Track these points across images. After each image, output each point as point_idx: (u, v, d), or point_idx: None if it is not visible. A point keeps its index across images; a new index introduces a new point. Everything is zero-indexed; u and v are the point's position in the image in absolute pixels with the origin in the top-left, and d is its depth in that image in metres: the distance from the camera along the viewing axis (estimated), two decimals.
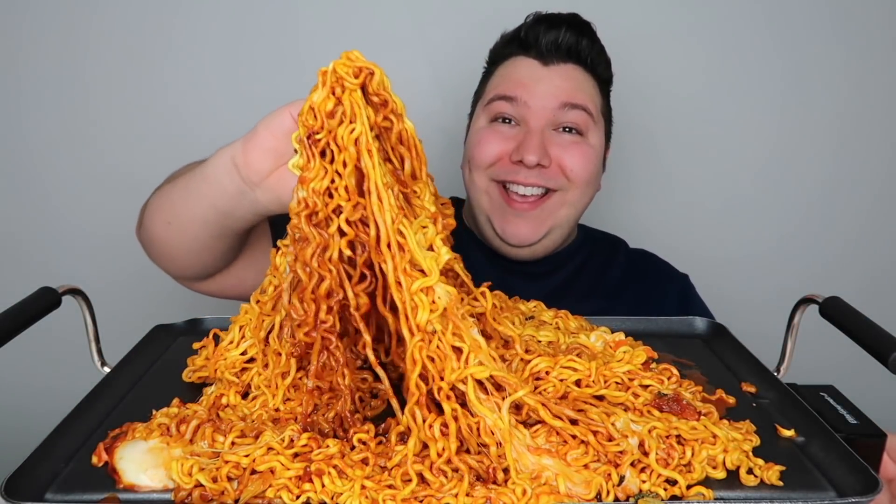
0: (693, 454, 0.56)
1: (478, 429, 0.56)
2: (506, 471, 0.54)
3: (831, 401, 0.67)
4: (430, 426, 0.56)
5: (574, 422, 0.58)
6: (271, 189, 0.71)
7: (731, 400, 0.68)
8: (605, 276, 1.18)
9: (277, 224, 1.01)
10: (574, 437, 0.57)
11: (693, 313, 0.93)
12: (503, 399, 0.57)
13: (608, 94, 1.15)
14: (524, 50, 1.08)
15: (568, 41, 1.06)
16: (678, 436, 0.58)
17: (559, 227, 1.09)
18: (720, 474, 0.56)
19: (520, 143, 1.04)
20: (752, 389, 0.71)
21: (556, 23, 1.07)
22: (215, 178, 0.76)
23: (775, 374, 0.75)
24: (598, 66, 1.09)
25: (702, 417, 0.60)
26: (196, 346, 0.75)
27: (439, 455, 0.55)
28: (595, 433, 0.57)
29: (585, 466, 0.54)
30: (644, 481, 0.54)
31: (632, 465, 0.55)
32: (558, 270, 1.16)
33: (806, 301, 0.76)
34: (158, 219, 0.88)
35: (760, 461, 0.57)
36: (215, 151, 0.77)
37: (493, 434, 0.55)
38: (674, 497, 0.53)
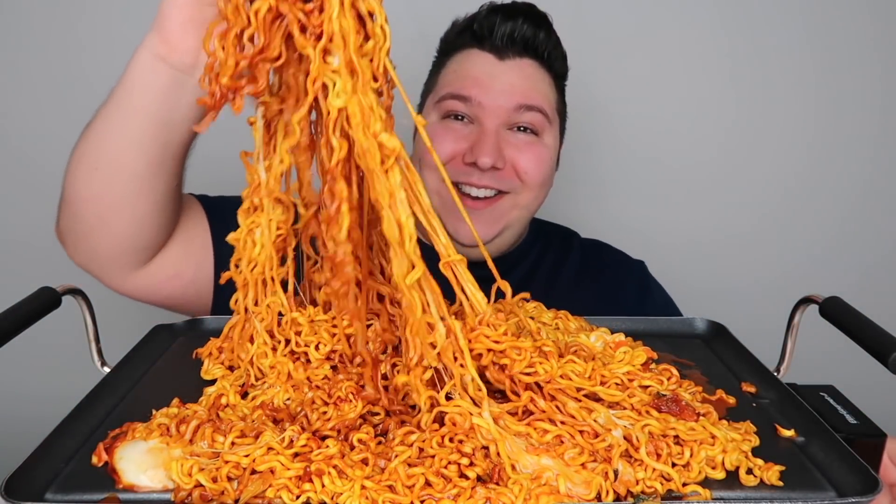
0: (692, 455, 0.56)
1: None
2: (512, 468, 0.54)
3: (831, 401, 0.68)
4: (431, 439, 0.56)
5: (553, 421, 0.58)
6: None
7: (732, 400, 0.67)
8: (560, 272, 1.15)
9: (213, 210, 0.96)
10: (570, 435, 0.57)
11: (652, 299, 0.92)
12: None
13: (563, 90, 1.11)
14: (478, 42, 1.03)
15: (524, 33, 1.01)
16: (676, 436, 0.58)
17: (510, 227, 1.07)
18: (719, 475, 0.56)
19: (473, 144, 1.00)
20: (752, 389, 0.71)
21: (513, 13, 1.01)
22: (142, 83, 0.69)
23: (775, 374, 0.75)
24: (554, 61, 1.05)
25: (700, 418, 0.60)
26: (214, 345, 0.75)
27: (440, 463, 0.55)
28: (581, 432, 0.57)
29: (583, 466, 0.54)
30: (639, 472, 0.54)
31: (626, 460, 0.55)
32: (512, 271, 1.12)
33: (806, 301, 0.76)
34: (81, 176, 0.77)
35: (760, 461, 0.57)
36: (129, 60, 0.70)
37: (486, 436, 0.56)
38: (672, 496, 0.53)
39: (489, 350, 0.61)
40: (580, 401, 0.60)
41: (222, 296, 0.86)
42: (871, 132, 1.53)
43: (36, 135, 1.46)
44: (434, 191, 1.02)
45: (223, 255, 0.88)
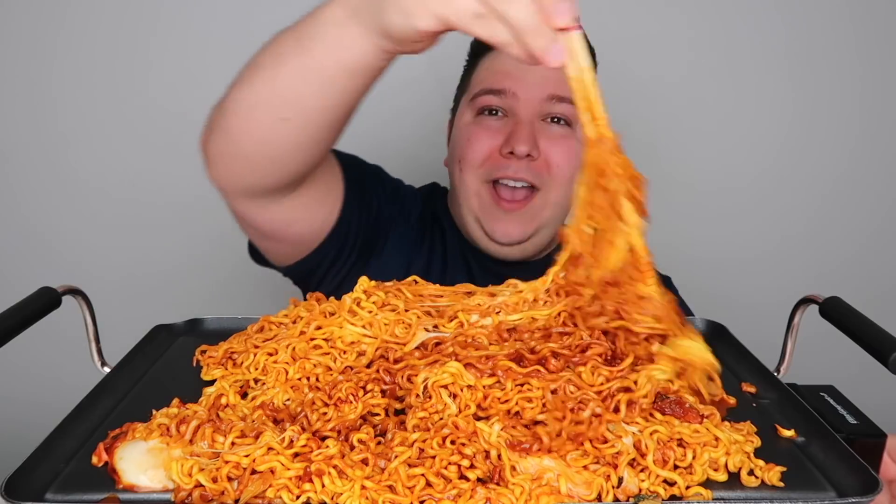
0: (695, 457, 0.56)
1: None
2: (512, 468, 0.54)
3: (831, 401, 0.68)
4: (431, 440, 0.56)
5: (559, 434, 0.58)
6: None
7: (732, 400, 0.67)
8: None
9: (349, 168, 1.00)
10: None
11: None
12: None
13: None
14: None
15: None
16: (680, 439, 0.57)
17: (546, 226, 1.09)
18: (721, 476, 0.55)
19: (509, 135, 1.03)
20: (753, 390, 0.71)
21: None
22: (363, 65, 0.68)
23: (775, 374, 0.76)
24: None
25: (704, 420, 0.60)
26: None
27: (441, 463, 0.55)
28: (589, 440, 0.56)
29: (585, 468, 0.54)
30: (643, 480, 0.54)
31: (630, 465, 0.55)
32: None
33: (806, 301, 0.76)
34: (264, 121, 0.75)
35: (761, 462, 0.57)
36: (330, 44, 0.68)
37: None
38: (673, 497, 0.53)
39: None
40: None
41: (325, 250, 0.97)
42: (872, 133, 1.53)
43: (36, 135, 1.46)
44: (473, 192, 1.06)
45: (349, 211, 0.97)
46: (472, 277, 1.08)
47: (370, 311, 0.72)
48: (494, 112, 1.06)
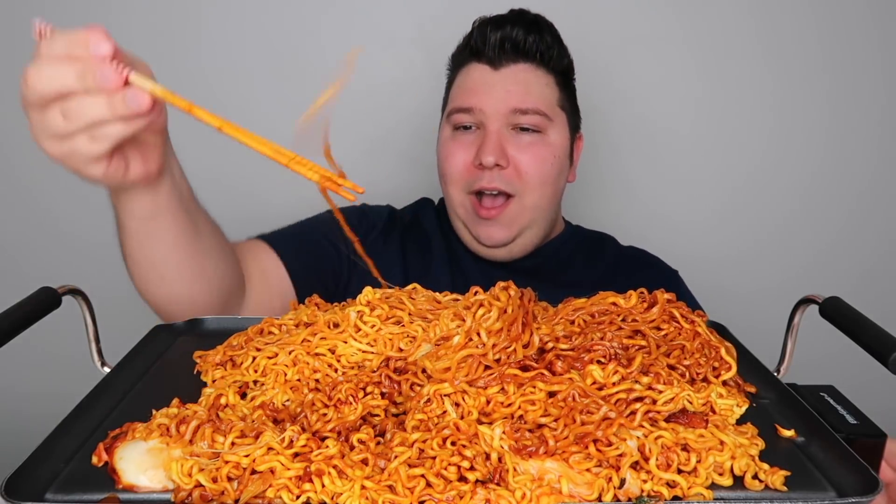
0: (699, 461, 0.56)
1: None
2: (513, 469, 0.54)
3: (831, 401, 0.68)
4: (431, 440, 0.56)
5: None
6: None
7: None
8: (591, 270, 1.20)
9: (276, 242, 1.06)
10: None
11: None
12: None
13: (569, 84, 1.16)
14: (475, 56, 1.11)
15: (515, 39, 1.07)
16: (685, 444, 0.57)
17: (529, 228, 1.13)
18: (727, 481, 0.55)
19: (479, 147, 1.08)
20: (752, 389, 0.71)
21: (501, 23, 1.08)
22: (119, 215, 0.77)
23: (775, 374, 0.75)
24: (549, 60, 1.10)
25: (709, 425, 0.60)
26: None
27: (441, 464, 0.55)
28: (594, 441, 0.56)
29: (588, 470, 0.54)
30: (645, 481, 0.54)
31: (633, 468, 0.55)
32: (545, 264, 1.19)
33: (806, 301, 0.76)
34: (152, 280, 0.83)
35: (766, 465, 0.56)
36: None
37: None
38: (675, 498, 0.53)
39: None
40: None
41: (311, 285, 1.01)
42: (871, 133, 1.53)
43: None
44: (459, 203, 1.13)
45: (298, 276, 1.05)
46: (457, 280, 1.15)
47: (374, 326, 0.73)
48: (468, 127, 1.11)
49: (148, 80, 0.59)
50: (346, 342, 0.71)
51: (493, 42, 1.07)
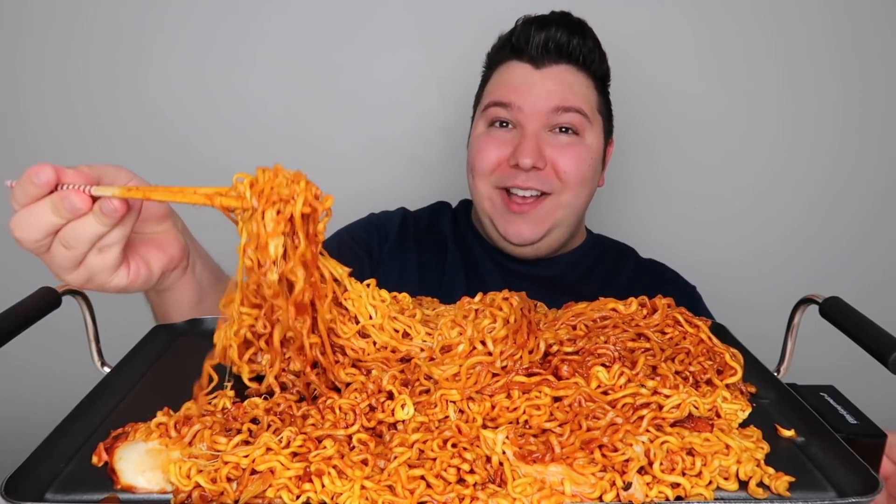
0: (705, 464, 0.55)
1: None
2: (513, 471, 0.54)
3: (831, 401, 0.67)
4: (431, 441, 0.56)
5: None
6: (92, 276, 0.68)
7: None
8: (612, 283, 1.19)
9: None
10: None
11: None
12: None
13: (606, 90, 1.16)
14: (516, 54, 1.10)
15: (559, 41, 1.07)
16: (690, 448, 0.57)
17: (558, 226, 1.12)
18: (732, 486, 0.55)
19: (516, 147, 1.07)
20: (753, 389, 0.71)
21: (546, 24, 1.08)
22: (169, 304, 0.82)
23: (775, 374, 0.75)
24: (591, 64, 1.10)
25: (714, 429, 0.60)
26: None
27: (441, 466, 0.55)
28: (600, 447, 0.56)
29: (592, 473, 0.54)
30: (649, 484, 0.54)
31: (638, 472, 0.54)
32: (566, 275, 1.18)
33: (806, 301, 0.76)
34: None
35: (771, 470, 0.56)
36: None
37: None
38: (678, 498, 0.53)
39: None
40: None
41: None
42: (872, 134, 1.52)
43: (35, 135, 1.46)
44: (486, 196, 1.12)
45: None
46: (473, 286, 1.12)
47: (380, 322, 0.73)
48: (504, 124, 1.10)
49: (106, 188, 0.61)
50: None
51: (537, 42, 1.07)
